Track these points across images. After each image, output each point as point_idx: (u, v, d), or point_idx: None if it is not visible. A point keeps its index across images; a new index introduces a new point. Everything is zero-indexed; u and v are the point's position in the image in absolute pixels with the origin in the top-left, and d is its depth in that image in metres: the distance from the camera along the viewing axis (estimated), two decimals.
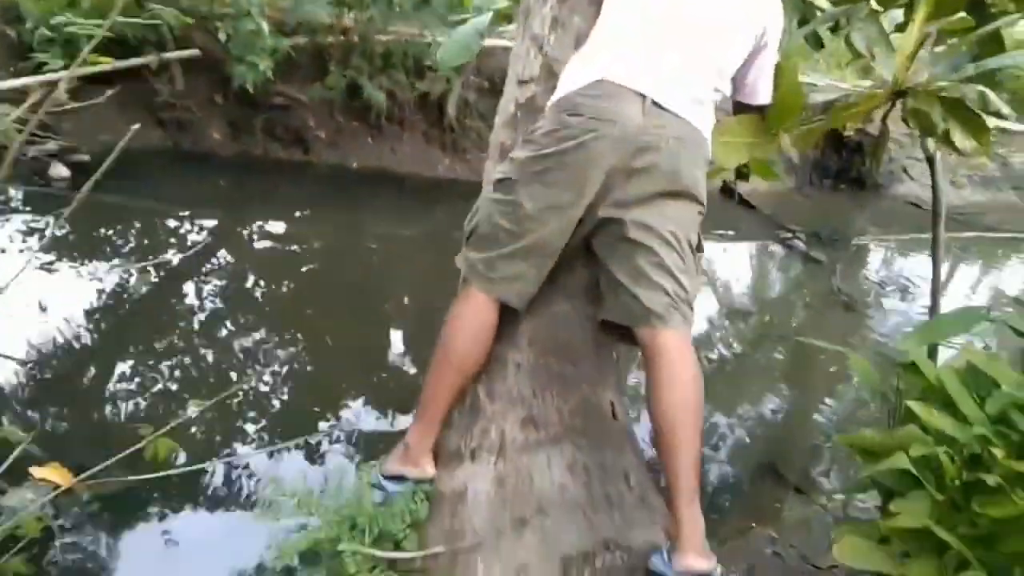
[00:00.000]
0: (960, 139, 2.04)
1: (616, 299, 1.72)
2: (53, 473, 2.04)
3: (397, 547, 1.70)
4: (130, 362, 3.27)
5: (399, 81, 6.39)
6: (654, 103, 1.65)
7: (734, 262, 6.14)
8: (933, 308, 2.74)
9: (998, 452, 1.47)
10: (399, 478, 1.79)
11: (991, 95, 1.96)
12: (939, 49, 2.48)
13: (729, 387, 4.03)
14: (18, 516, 1.72)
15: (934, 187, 2.63)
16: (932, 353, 2.25)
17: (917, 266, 6.17)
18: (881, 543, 1.58)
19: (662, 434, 1.64)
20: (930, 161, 2.51)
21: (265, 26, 5.20)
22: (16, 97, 4.53)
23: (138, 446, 1.69)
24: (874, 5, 2.44)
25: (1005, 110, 1.96)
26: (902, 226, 6.94)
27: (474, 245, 1.77)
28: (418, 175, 6.63)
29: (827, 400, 3.86)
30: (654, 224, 1.67)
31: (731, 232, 6.58)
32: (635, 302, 1.68)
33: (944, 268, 6.44)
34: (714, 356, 4.32)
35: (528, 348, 1.80)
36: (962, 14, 2.02)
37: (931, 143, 2.63)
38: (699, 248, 1.78)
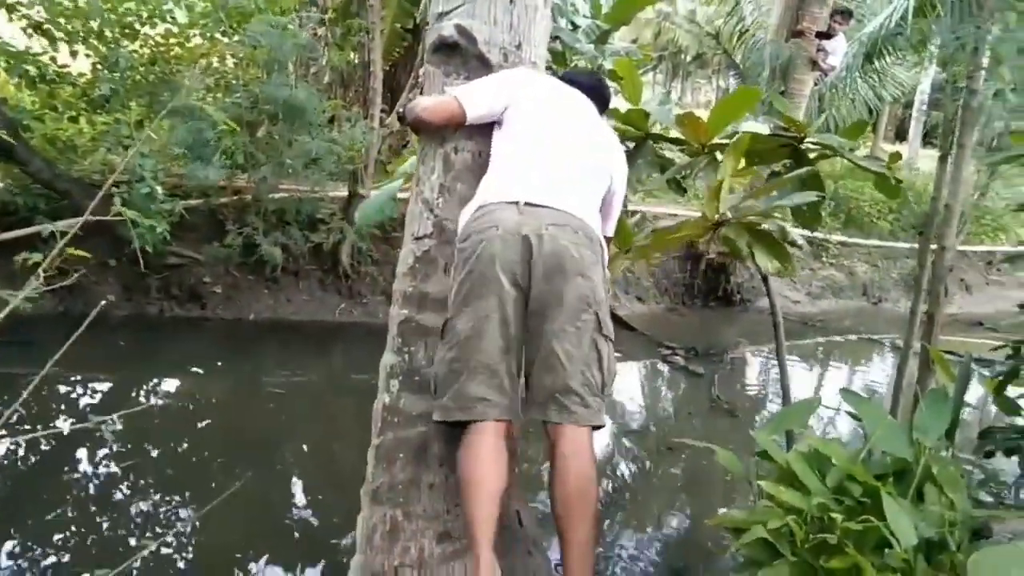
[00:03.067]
0: (763, 261, 2.50)
1: (526, 391, 1.92)
2: None
3: None
4: (18, 538, 3.18)
5: (293, 235, 6.66)
6: (527, 203, 1.93)
7: (625, 382, 6.53)
8: (785, 402, 3.14)
9: (836, 516, 1.79)
10: None
11: (788, 228, 2.44)
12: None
13: (634, 500, 4.28)
14: None
15: (771, 303, 3.09)
16: (790, 441, 2.61)
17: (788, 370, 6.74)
18: None
19: (557, 520, 1.83)
20: (764, 280, 2.96)
21: (160, 190, 5.41)
22: None
23: None
24: (717, 156, 2.95)
25: (800, 241, 2.43)
26: (769, 336, 7.59)
27: (440, 392, 1.93)
28: (315, 321, 6.80)
29: (722, 500, 4.15)
30: (551, 313, 1.86)
31: (618, 354, 6.99)
32: (531, 394, 1.89)
33: (808, 371, 7.14)
34: (620, 472, 4.58)
35: (439, 468, 2.01)
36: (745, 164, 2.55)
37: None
38: (602, 331, 1.93)
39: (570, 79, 2.35)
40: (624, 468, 4.76)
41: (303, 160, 6.49)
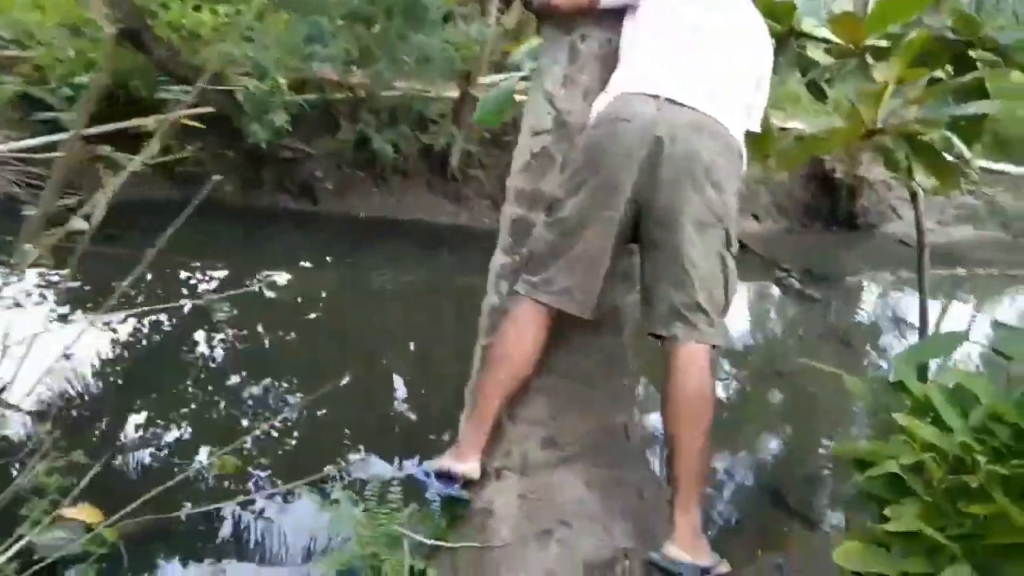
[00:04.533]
0: (922, 176, 2.22)
1: (645, 305, 1.82)
2: (84, 512, 2.13)
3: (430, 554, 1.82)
4: (146, 411, 3.38)
5: (404, 134, 6.64)
6: (667, 100, 1.76)
7: (735, 302, 6.30)
8: (922, 335, 2.90)
9: (980, 457, 1.62)
10: (447, 476, 1.85)
11: (955, 139, 2.15)
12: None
13: (733, 422, 4.16)
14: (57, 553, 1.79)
15: (917, 224, 2.81)
16: (923, 375, 2.41)
17: (909, 302, 6.34)
18: (878, 547, 1.71)
19: (667, 438, 1.76)
20: (913, 198, 2.69)
21: (284, 83, 5.45)
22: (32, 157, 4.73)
23: (168, 484, 1.76)
24: (868, 59, 2.65)
25: (967, 154, 2.15)
26: (893, 263, 7.14)
27: (530, 268, 1.87)
28: (422, 222, 6.84)
29: (827, 429, 3.99)
30: (678, 222, 1.72)
31: None
32: (653, 310, 1.78)
33: (936, 303, 6.69)
34: (723, 394, 4.45)
35: (547, 374, 1.95)
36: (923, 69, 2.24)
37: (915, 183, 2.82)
38: (729, 246, 1.81)
39: None
40: (727, 390, 4.63)
41: (417, 57, 6.38)
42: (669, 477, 1.77)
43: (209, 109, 6.07)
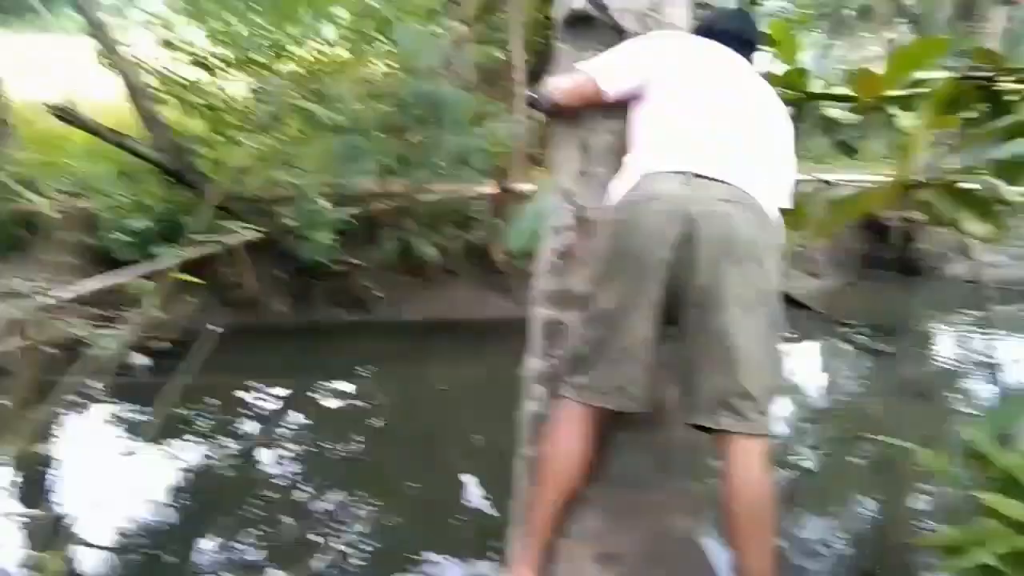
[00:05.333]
0: (971, 226, 2.11)
1: (686, 395, 1.71)
2: None
3: None
4: (215, 536, 3.40)
5: (447, 234, 6.74)
6: (695, 175, 1.69)
7: (803, 363, 6.08)
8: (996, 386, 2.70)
9: None
10: None
11: (999, 184, 2.04)
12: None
13: (817, 491, 3.95)
14: None
15: (976, 271, 2.67)
16: (1004, 439, 2.22)
17: (983, 344, 6.03)
18: None
19: (730, 541, 1.63)
20: (966, 248, 2.56)
21: (327, 204, 5.63)
22: (100, 299, 4.93)
23: None
24: (890, 110, 2.58)
25: (1011, 196, 2.03)
26: (961, 305, 6.82)
27: (574, 368, 1.78)
28: (472, 319, 6.84)
29: (915, 500, 3.74)
30: (719, 300, 1.62)
31: (794, 334, 6.55)
32: (696, 399, 1.67)
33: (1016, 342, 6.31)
34: (799, 459, 4.25)
35: (597, 482, 1.85)
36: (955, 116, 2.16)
37: None
38: (775, 327, 1.70)
39: (710, 30, 2.06)
40: (806, 456, 4.41)
41: (453, 160, 6.52)
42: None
43: (260, 232, 6.31)
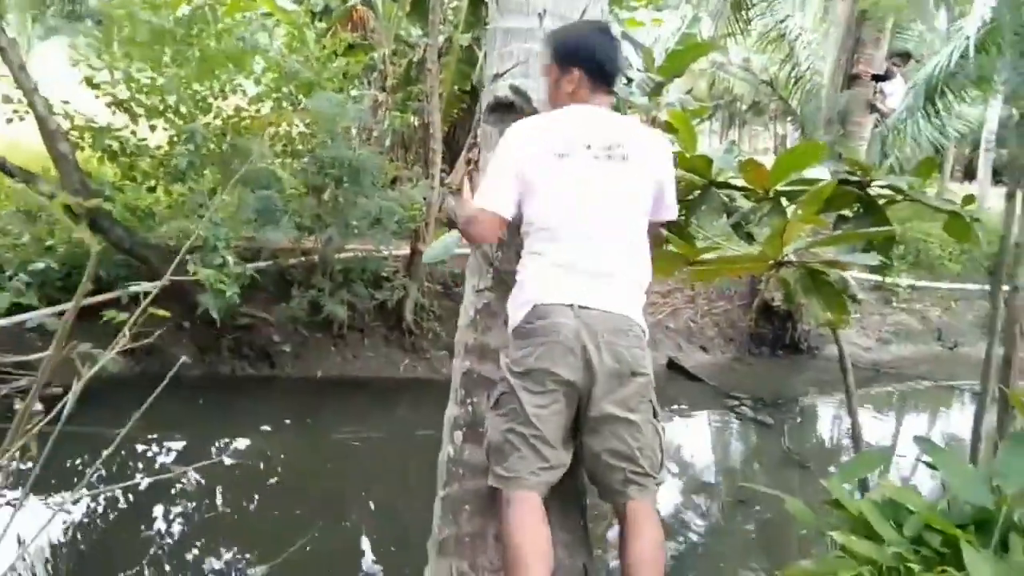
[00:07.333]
0: (817, 310, 2.47)
1: (595, 482, 2.07)
2: None
3: None
4: None
5: (358, 293, 6.83)
6: (580, 307, 1.98)
7: (692, 435, 6.43)
8: (856, 451, 3.05)
9: (914, 567, 1.73)
10: None
11: (850, 280, 2.39)
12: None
13: (706, 556, 4.18)
14: None
15: (839, 347, 3.03)
16: (864, 490, 2.53)
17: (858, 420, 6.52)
18: None
19: None
20: (832, 328, 2.90)
21: (231, 259, 5.64)
22: None
23: None
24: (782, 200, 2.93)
25: (860, 296, 2.37)
26: (838, 384, 7.37)
27: (495, 460, 2.01)
28: (380, 377, 6.92)
29: (791, 554, 4.03)
30: (616, 412, 1.97)
31: (684, 406, 6.93)
32: (606, 483, 2.02)
33: (880, 418, 6.89)
34: (690, 529, 4.49)
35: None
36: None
37: None
38: (655, 415, 2.07)
39: (601, 69, 2.14)
40: (694, 522, 4.66)
41: (367, 220, 6.68)
42: None
43: (165, 282, 6.22)
